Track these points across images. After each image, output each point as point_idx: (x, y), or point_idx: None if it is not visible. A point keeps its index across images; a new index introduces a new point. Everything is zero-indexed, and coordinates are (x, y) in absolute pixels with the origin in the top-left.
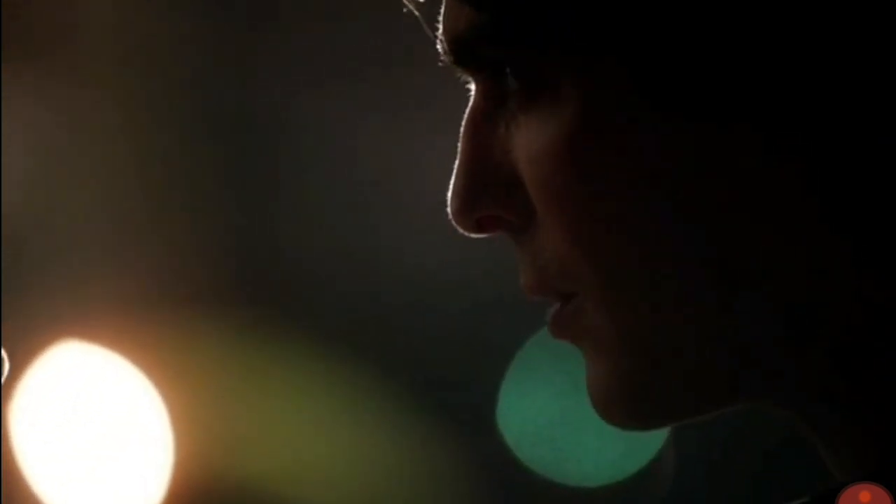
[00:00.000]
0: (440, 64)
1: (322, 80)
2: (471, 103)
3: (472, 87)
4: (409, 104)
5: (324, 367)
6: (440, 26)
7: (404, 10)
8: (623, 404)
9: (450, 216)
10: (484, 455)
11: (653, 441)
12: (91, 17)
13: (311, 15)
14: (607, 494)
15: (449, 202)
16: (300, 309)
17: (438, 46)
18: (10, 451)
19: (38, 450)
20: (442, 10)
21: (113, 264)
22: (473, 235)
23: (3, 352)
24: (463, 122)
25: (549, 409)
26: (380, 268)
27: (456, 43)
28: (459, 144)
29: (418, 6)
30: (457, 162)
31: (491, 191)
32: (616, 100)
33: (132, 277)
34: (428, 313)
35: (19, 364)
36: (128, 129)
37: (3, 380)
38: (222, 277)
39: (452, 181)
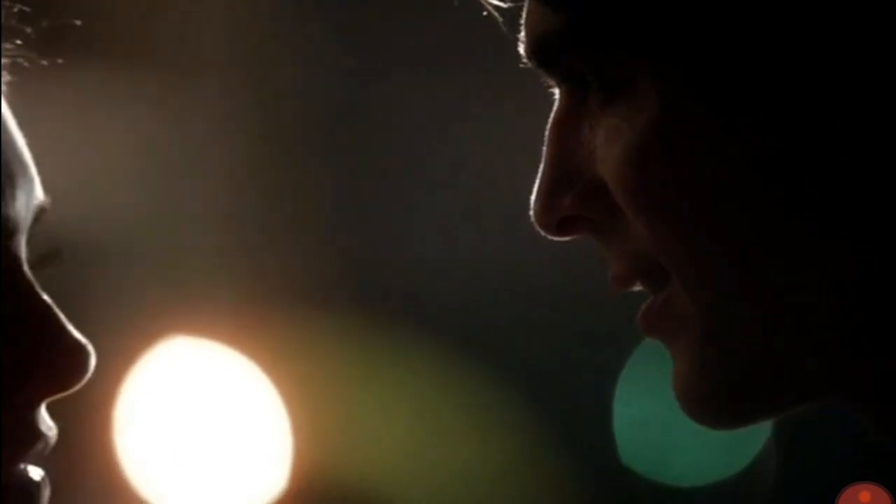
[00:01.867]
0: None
1: (434, 82)
2: (555, 106)
3: (556, 90)
4: (521, 106)
5: (437, 366)
6: (522, 29)
7: (484, 13)
8: (707, 400)
9: (532, 219)
10: (595, 457)
11: (754, 440)
12: (201, 17)
13: (425, 15)
14: (710, 494)
15: (532, 204)
16: (413, 309)
17: (521, 49)
18: (118, 448)
19: (150, 445)
20: (524, 14)
21: (230, 264)
22: (555, 238)
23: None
24: (548, 125)
25: (660, 410)
26: (492, 267)
27: (538, 46)
28: (544, 147)
29: (500, 11)
30: (541, 164)
31: (573, 192)
32: (689, 100)
33: (249, 276)
34: (542, 311)
35: (136, 359)
36: (243, 130)
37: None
38: (336, 277)
39: (536, 183)
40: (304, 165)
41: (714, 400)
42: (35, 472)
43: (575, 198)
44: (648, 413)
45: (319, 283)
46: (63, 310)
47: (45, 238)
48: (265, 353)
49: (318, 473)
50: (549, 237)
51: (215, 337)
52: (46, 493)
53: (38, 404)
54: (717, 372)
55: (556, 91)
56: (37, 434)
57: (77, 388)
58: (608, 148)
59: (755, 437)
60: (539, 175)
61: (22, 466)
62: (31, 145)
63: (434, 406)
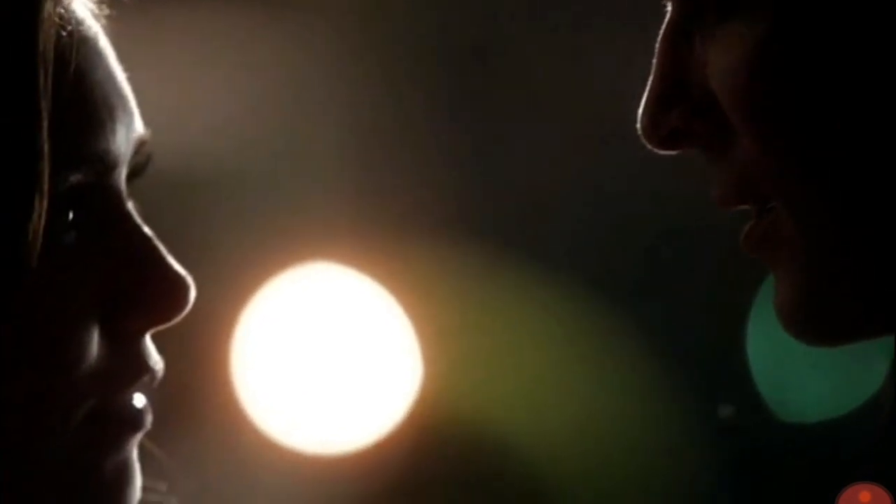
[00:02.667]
0: None
1: (556, 15)
2: (666, 19)
3: (669, 4)
4: (645, 35)
5: (562, 302)
6: None
7: None
8: (807, 319)
9: (639, 131)
10: (720, 396)
11: (872, 376)
12: None
13: None
14: (824, 431)
15: (639, 117)
16: (540, 243)
17: None
18: (239, 380)
19: (273, 375)
20: None
21: (357, 190)
22: (662, 151)
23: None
24: (658, 39)
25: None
26: (619, 201)
27: None
28: (654, 60)
29: None
30: (651, 77)
31: (682, 105)
32: (808, 12)
33: (376, 204)
34: (671, 246)
35: (263, 287)
36: (370, 60)
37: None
38: (462, 206)
39: (645, 95)
40: (431, 94)
41: (814, 322)
42: (139, 400)
43: (683, 111)
44: (776, 349)
45: (446, 212)
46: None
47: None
48: (394, 276)
49: (443, 404)
50: (655, 150)
51: (344, 262)
52: (149, 420)
53: (141, 335)
54: (819, 296)
55: (669, 4)
56: (143, 366)
57: (178, 319)
58: (721, 60)
59: (874, 374)
60: (648, 87)
61: (127, 396)
62: (148, 77)
63: (559, 341)
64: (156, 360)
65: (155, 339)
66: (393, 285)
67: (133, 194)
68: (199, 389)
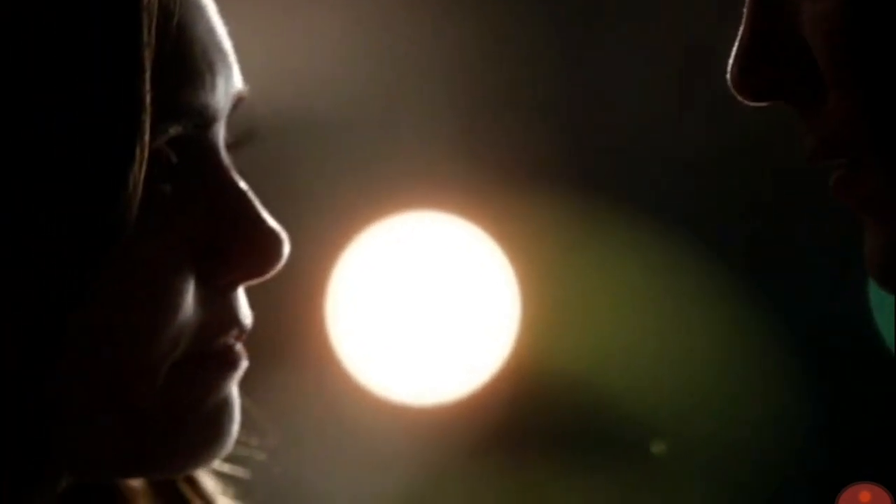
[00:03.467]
0: None
1: None
2: None
3: None
4: None
5: (662, 250)
6: None
7: None
8: (893, 270)
9: (729, 83)
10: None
11: None
12: None
13: None
14: None
15: (729, 68)
16: (641, 192)
17: None
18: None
19: (371, 322)
20: None
21: (460, 136)
22: (752, 104)
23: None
24: None
25: None
26: (718, 148)
27: None
28: (745, 9)
29: None
30: (741, 26)
31: (773, 56)
32: None
33: (480, 149)
34: (770, 193)
35: (365, 231)
36: (474, 4)
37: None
38: (565, 151)
39: (735, 46)
40: (534, 42)
41: None
42: (237, 345)
43: (775, 62)
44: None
45: (548, 159)
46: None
47: (246, 119)
48: (496, 223)
49: (542, 353)
50: (746, 102)
51: (444, 210)
52: (245, 361)
53: (233, 289)
54: None
55: None
56: (233, 319)
57: (271, 274)
58: (813, 7)
59: None
60: (739, 37)
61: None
62: (247, 23)
63: (659, 289)
64: (246, 314)
65: (250, 287)
66: (494, 232)
67: (235, 143)
68: (295, 338)
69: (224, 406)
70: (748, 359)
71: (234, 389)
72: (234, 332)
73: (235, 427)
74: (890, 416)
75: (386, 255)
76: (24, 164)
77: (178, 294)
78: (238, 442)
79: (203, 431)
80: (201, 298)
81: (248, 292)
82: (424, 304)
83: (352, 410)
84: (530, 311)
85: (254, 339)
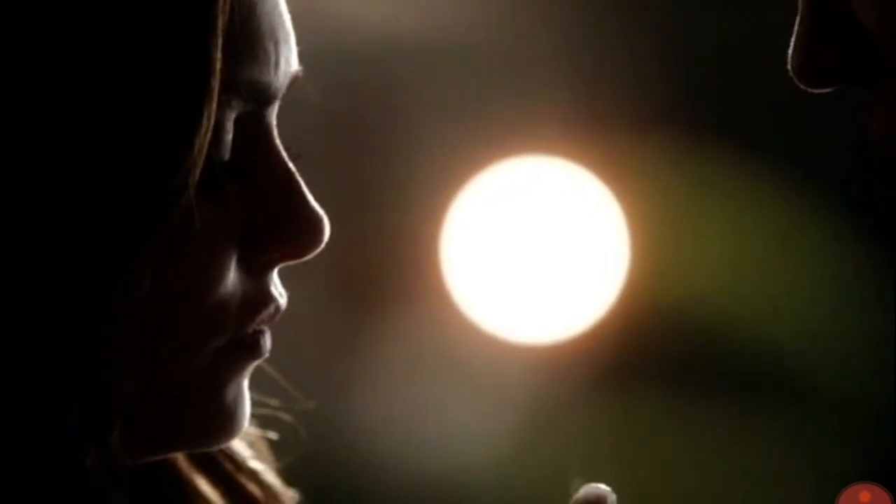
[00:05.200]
0: None
1: None
2: None
3: None
4: None
5: (768, 183)
6: None
7: None
8: None
9: (791, 73)
10: None
11: None
12: None
13: None
14: None
15: (790, 58)
16: (760, 139)
17: None
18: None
19: (484, 259)
20: None
21: (574, 81)
22: (816, 91)
23: None
24: None
25: None
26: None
27: None
28: None
29: None
30: (799, 14)
31: (834, 40)
32: None
33: (591, 93)
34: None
35: (480, 173)
36: None
37: None
38: (674, 94)
39: (794, 34)
40: None
41: None
42: (264, 330)
43: (836, 45)
44: None
45: (658, 102)
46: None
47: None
48: (608, 167)
49: (652, 293)
50: (809, 90)
51: (557, 154)
52: (268, 347)
53: (270, 269)
54: None
55: None
56: (269, 298)
57: (309, 258)
58: None
59: None
60: (797, 24)
61: (251, 326)
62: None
63: (768, 226)
64: (281, 293)
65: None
66: (605, 175)
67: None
68: (410, 278)
69: (241, 395)
70: (862, 288)
71: (247, 379)
72: (271, 310)
73: (248, 417)
74: None
75: (501, 197)
76: (94, 122)
77: (223, 268)
78: (257, 402)
79: (221, 421)
80: (240, 276)
81: (365, 233)
82: (538, 246)
83: (466, 350)
84: (640, 251)
85: (371, 278)
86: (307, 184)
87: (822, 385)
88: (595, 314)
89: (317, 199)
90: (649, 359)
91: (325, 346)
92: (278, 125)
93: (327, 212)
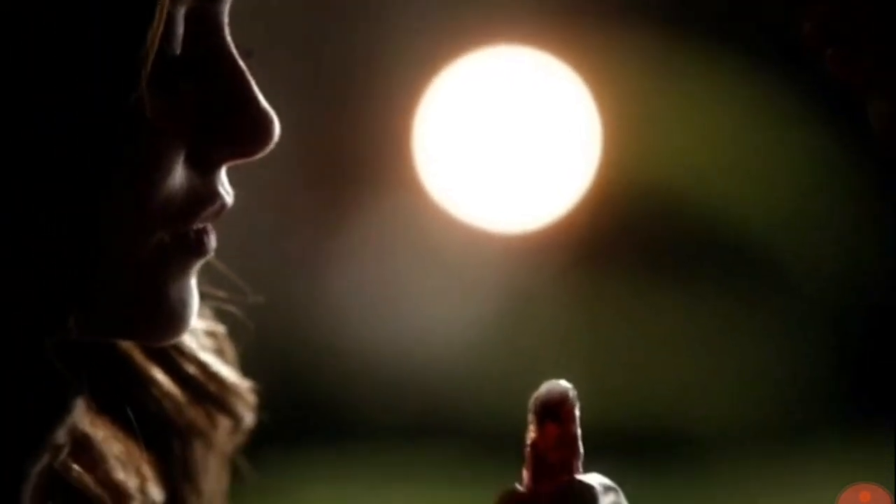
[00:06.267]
0: None
1: None
2: None
3: None
4: None
5: (741, 69)
6: None
7: None
8: None
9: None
10: None
11: None
12: None
13: None
14: None
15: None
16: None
17: None
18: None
19: (457, 148)
20: None
21: None
22: None
23: None
24: None
25: None
26: None
27: None
28: None
29: None
30: None
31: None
32: None
33: None
34: None
35: (453, 63)
36: None
37: None
38: None
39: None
40: None
41: None
42: (207, 228)
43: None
44: None
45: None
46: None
47: None
48: (580, 55)
49: (624, 178)
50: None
51: (528, 43)
52: (213, 246)
53: (218, 167)
54: None
55: None
56: (214, 194)
57: (258, 157)
58: None
59: None
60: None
61: (196, 223)
62: None
63: (741, 114)
64: (228, 191)
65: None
66: (576, 63)
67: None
68: (383, 167)
69: (187, 292)
70: (834, 175)
71: (194, 276)
72: (217, 207)
73: (195, 313)
74: None
75: (474, 86)
76: (46, 16)
77: (172, 161)
78: (205, 294)
79: (165, 316)
80: (188, 172)
81: (339, 122)
82: (511, 134)
83: (440, 239)
84: (612, 138)
85: (344, 167)
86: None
87: (790, 263)
88: (568, 201)
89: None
90: (622, 244)
91: (299, 234)
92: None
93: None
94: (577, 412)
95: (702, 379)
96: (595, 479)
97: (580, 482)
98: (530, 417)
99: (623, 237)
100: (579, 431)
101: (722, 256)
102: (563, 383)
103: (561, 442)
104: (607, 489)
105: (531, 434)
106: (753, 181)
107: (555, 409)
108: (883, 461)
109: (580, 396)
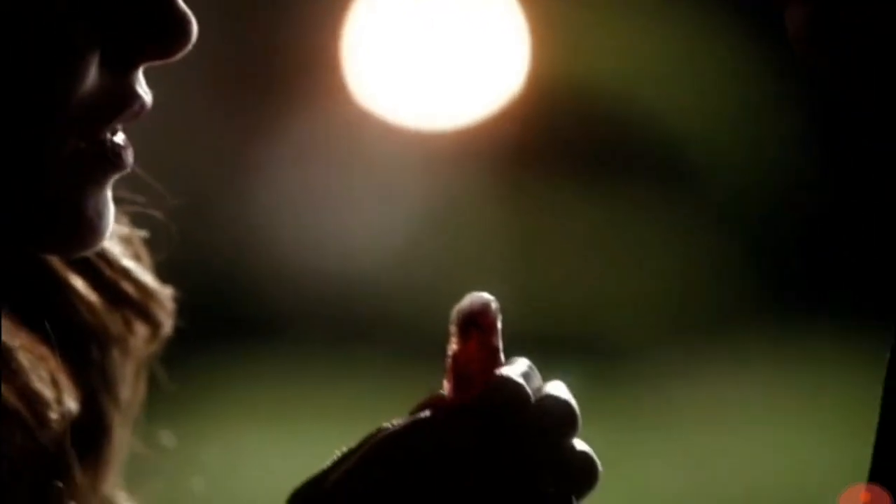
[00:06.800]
0: None
1: None
2: None
3: None
4: None
5: None
6: None
7: None
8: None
9: None
10: None
11: None
12: None
13: None
14: None
15: None
16: None
17: None
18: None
19: (384, 59)
20: None
21: None
22: None
23: None
24: None
25: None
26: None
27: None
28: None
29: None
30: None
31: None
32: None
33: None
34: None
35: None
36: None
37: None
38: None
39: None
40: None
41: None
42: (121, 136)
43: None
44: None
45: None
46: None
47: None
48: None
49: (552, 79)
50: None
51: None
52: (130, 160)
53: (135, 68)
54: None
55: None
56: (132, 95)
57: (175, 58)
58: None
59: None
60: None
61: (112, 132)
62: None
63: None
64: (146, 92)
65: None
66: None
67: None
68: (310, 67)
69: (104, 205)
70: (754, 83)
71: (110, 190)
72: (136, 108)
73: (110, 226)
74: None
75: None
76: None
77: (87, 62)
78: (122, 199)
79: (81, 228)
80: (104, 73)
81: (266, 25)
82: (438, 33)
83: (368, 143)
84: (541, 38)
85: (271, 73)
86: None
87: (708, 166)
88: (496, 103)
89: None
90: (549, 146)
91: (226, 139)
92: None
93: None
94: (499, 324)
95: (622, 280)
96: (519, 366)
97: (500, 376)
98: (452, 329)
99: (550, 140)
100: (501, 343)
101: (644, 160)
102: (486, 295)
103: (482, 354)
104: (532, 369)
105: (453, 346)
106: (677, 87)
107: (477, 321)
108: (796, 356)
109: (503, 297)
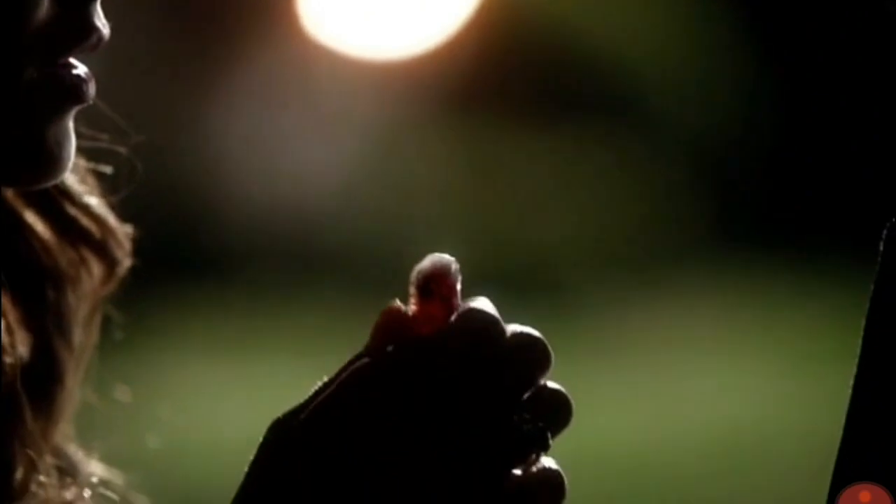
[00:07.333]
0: None
1: None
2: None
3: None
4: None
5: None
6: None
7: None
8: None
9: None
10: None
11: None
12: None
13: None
14: None
15: None
16: None
17: None
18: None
19: None
20: None
21: None
22: None
23: None
24: None
25: None
26: None
27: None
28: None
29: None
30: None
31: None
32: None
33: None
34: None
35: None
36: None
37: None
38: None
39: None
40: None
41: None
42: (82, 69)
43: None
44: None
45: None
46: None
47: None
48: None
49: (506, 7)
50: None
51: None
52: (91, 92)
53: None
54: None
55: None
56: (91, 28)
57: None
58: None
59: None
60: None
61: (72, 63)
62: None
63: None
64: (104, 24)
65: None
66: None
67: None
68: (261, 1)
69: (65, 137)
70: (714, 22)
71: (71, 121)
72: (93, 40)
73: (72, 158)
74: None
75: None
76: None
77: (32, 3)
78: (84, 135)
79: (42, 161)
80: (57, 9)
81: None
82: None
83: (316, 72)
84: None
85: (224, 6)
86: None
87: (662, 101)
88: (447, 30)
89: None
90: (500, 77)
91: (179, 77)
92: None
93: None
94: (459, 286)
95: (573, 214)
96: (484, 301)
97: (471, 307)
98: (412, 290)
99: (499, 70)
100: (461, 305)
101: (595, 93)
102: (446, 257)
103: (442, 314)
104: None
105: (412, 307)
106: (630, 20)
107: (437, 283)
108: (749, 289)
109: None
